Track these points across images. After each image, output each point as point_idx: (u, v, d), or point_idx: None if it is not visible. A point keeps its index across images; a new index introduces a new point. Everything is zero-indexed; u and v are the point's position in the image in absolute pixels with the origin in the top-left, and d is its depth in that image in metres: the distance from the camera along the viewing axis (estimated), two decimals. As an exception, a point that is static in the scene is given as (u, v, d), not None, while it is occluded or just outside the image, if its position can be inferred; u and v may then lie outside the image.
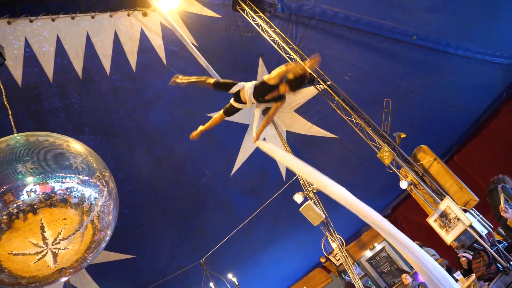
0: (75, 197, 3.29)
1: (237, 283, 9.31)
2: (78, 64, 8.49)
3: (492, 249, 5.35)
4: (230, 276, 9.54)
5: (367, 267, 11.97)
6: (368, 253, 12.08)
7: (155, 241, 10.22)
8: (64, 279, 3.80)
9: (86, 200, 3.45)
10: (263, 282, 11.64)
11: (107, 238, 3.94)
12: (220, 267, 10.20)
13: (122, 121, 9.34)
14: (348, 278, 11.54)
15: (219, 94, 9.31)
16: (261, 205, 9.44)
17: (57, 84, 8.45)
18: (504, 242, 5.87)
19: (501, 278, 5.11)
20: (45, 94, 8.44)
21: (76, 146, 3.70)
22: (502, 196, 5.77)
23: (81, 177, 3.45)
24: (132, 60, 8.86)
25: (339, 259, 10.27)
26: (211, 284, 9.44)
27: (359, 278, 9.79)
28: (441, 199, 5.78)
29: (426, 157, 6.20)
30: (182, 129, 9.50)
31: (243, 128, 10.00)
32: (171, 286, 10.25)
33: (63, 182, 3.25)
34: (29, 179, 3.11)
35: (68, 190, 3.24)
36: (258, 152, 10.42)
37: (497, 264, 5.34)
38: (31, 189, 3.09)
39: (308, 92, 9.45)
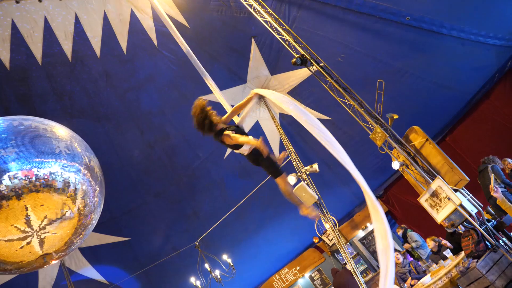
0: (59, 182, 3.26)
1: (231, 264, 9.44)
2: (67, 46, 8.34)
3: (481, 227, 5.45)
4: (225, 257, 9.65)
5: (359, 246, 12.19)
6: (361, 233, 12.28)
7: (150, 224, 10.27)
8: (52, 263, 3.81)
9: (71, 185, 3.41)
10: (257, 263, 11.82)
11: (94, 222, 3.93)
12: (214, 248, 10.32)
13: (113, 104, 9.25)
14: (341, 257, 11.76)
15: (214, 73, 9.29)
16: (255, 187, 9.49)
17: (46, 67, 8.31)
18: (493, 221, 5.97)
19: (489, 255, 5.23)
20: (34, 77, 8.30)
21: (60, 131, 3.65)
22: (492, 176, 5.86)
23: (65, 162, 3.41)
24: (123, 42, 8.72)
25: (332, 239, 10.44)
26: (206, 265, 9.55)
27: (352, 257, 9.97)
28: (433, 179, 5.84)
29: (418, 138, 6.23)
30: (175, 112, 9.45)
31: (236, 111, 9.96)
32: (166, 267, 10.37)
33: (47, 167, 3.22)
34: (12, 164, 3.07)
35: (52, 175, 3.22)
36: (252, 134, 10.42)
37: (486, 242, 5.45)
38: (14, 174, 3.06)
39: (301, 74, 9.40)
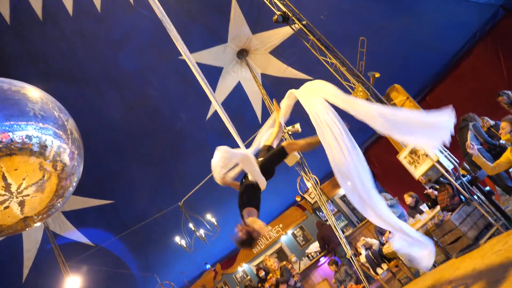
0: (35, 144, 3.19)
1: (215, 223, 9.63)
2: (36, 4, 7.89)
3: (456, 182, 5.65)
4: (208, 216, 9.81)
5: (340, 204, 12.55)
6: (342, 191, 12.59)
7: (133, 186, 10.29)
8: (34, 226, 3.80)
9: (48, 148, 3.35)
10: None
11: (74, 184, 3.90)
12: (198, 209, 10.45)
13: (89, 66, 8.94)
14: (322, 214, 12.12)
15: (194, 33, 9.00)
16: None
17: (16, 27, 7.89)
18: (468, 176, 6.19)
19: (463, 208, 5.47)
20: (4, 38, 7.90)
21: (33, 92, 3.52)
22: (469, 133, 6.00)
23: (40, 124, 3.33)
24: (96, -1, 8.31)
25: (314, 197, 10.71)
26: (190, 225, 9.71)
27: (333, 214, 10.30)
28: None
29: (399, 96, 6.28)
30: (155, 72, 9.22)
31: (217, 71, 9.78)
32: (151, 228, 10.50)
33: (22, 130, 3.14)
34: (-16, 127, 3.00)
35: (28, 137, 3.15)
36: (233, 95, 10.32)
37: (460, 196, 5.68)
38: (-13, 138, 2.98)
39: (283, 32, 9.21)
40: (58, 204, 3.90)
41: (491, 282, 3.45)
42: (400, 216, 8.75)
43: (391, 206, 9.71)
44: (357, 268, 7.52)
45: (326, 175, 12.65)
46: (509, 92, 6.78)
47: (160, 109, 9.67)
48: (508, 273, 3.36)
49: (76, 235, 10.46)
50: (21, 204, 3.31)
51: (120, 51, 8.95)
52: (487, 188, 6.96)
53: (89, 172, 9.51)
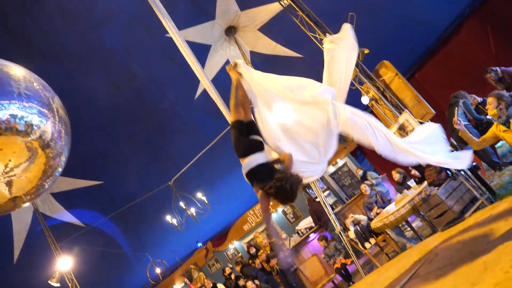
0: (21, 124, 3.13)
1: (206, 202, 9.67)
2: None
3: (443, 158, 5.72)
4: (199, 195, 9.84)
5: (329, 181, 12.69)
6: (331, 168, 12.73)
7: (123, 166, 10.23)
8: (24, 205, 3.77)
9: (34, 127, 3.29)
10: (232, 200, 12.18)
11: (63, 164, 3.85)
12: (189, 188, 10.47)
13: (73, 44, 8.68)
14: (312, 192, 12.25)
15: (181, 10, 8.78)
16: (226, 126, 9.45)
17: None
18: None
19: (449, 183, 5.57)
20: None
21: (17, 71, 3.42)
22: (456, 109, 6.05)
23: (25, 103, 3.26)
24: (77, -28, 8.01)
25: (304, 175, 10.77)
26: (181, 204, 9.74)
27: (322, 191, 10.42)
28: (400, 113, 5.99)
29: (388, 72, 6.27)
30: (140, 50, 9.02)
31: (205, 49, 9.62)
32: (141, 208, 10.51)
33: (6, 109, 3.07)
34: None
35: (13, 117, 3.08)
36: (222, 73, 10.18)
37: (447, 171, 5.77)
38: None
39: (272, 8, 9.04)
40: (47, 184, 3.87)
41: (474, 253, 3.55)
42: (386, 194, 8.91)
43: (376, 184, 9.88)
44: (346, 243, 7.67)
45: (316, 153, 12.72)
46: (497, 69, 6.82)
47: (147, 88, 9.51)
48: (491, 244, 3.45)
49: (67, 216, 10.43)
50: (9, 184, 3.27)
51: (104, 28, 8.70)
52: (474, 163, 7.09)
53: (76, 153, 9.40)
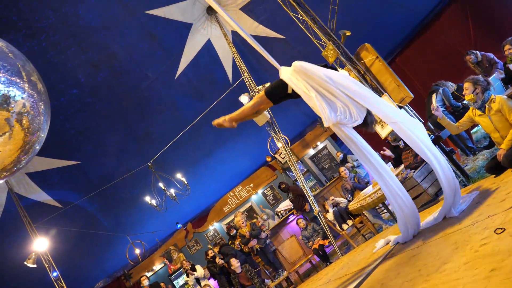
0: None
1: (186, 182, 9.63)
2: None
3: (420, 141, 5.81)
4: (179, 176, 9.78)
5: (309, 164, 12.82)
6: (311, 151, 12.84)
7: (100, 146, 10.01)
8: (0, 181, 3.66)
9: (11, 101, 3.18)
10: (212, 182, 12.17)
11: (41, 140, 3.74)
12: (169, 169, 10.39)
13: (48, 19, 8.32)
14: (292, 174, 12.35)
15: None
16: (207, 107, 9.37)
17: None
18: (432, 135, 6.40)
19: (425, 166, 5.68)
20: None
21: (-10, 42, 3.28)
22: (434, 96, 6.13)
23: (2, 75, 3.14)
24: None
25: (284, 157, 10.84)
26: (161, 185, 9.67)
27: (302, 174, 10.51)
28: (380, 97, 6.02)
29: (369, 55, 6.28)
30: (119, 27, 8.74)
31: (186, 27, 9.40)
32: (120, 189, 10.39)
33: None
34: None
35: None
36: (203, 53, 10.02)
37: (424, 155, 5.87)
38: None
39: (255, -13, 8.89)
40: (24, 160, 3.77)
41: (447, 233, 3.65)
42: (365, 176, 9.06)
43: (357, 166, 10.06)
44: (323, 225, 7.79)
45: (296, 136, 12.80)
46: (477, 52, 6.93)
47: (125, 66, 9.24)
48: (463, 225, 3.55)
49: (43, 197, 10.21)
50: (-16, 159, 3.18)
51: (80, 3, 8.36)
52: (449, 148, 7.26)
53: (53, 132, 9.15)
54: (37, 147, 3.79)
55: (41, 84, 3.81)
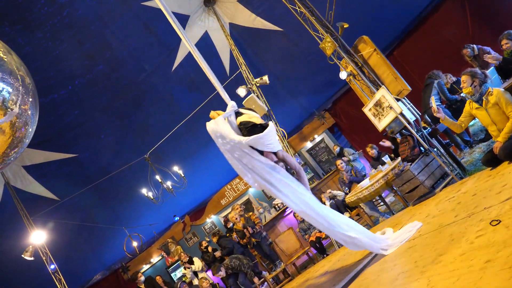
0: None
1: (182, 175, 9.62)
2: None
3: (417, 134, 5.84)
4: (176, 168, 9.77)
5: (307, 157, 12.83)
6: (309, 144, 12.85)
7: (97, 139, 9.98)
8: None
9: None
10: (209, 175, 12.15)
11: (29, 135, 3.71)
12: (166, 162, 10.37)
13: (43, 10, 8.22)
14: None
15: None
16: (204, 100, 9.33)
17: None
18: (429, 128, 6.42)
19: (422, 159, 5.70)
20: None
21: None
22: (433, 98, 6.12)
23: None
24: None
25: (281, 150, 10.82)
26: (157, 177, 9.66)
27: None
28: (377, 89, 6.02)
29: (367, 48, 6.25)
30: (115, 19, 8.66)
31: (183, 19, 9.32)
32: (117, 181, 10.37)
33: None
34: None
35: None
36: (200, 45, 9.93)
37: (420, 147, 5.89)
38: None
39: (252, -21, 8.82)
40: (13, 155, 3.73)
41: (443, 225, 3.67)
42: (362, 169, 9.09)
43: (353, 160, 10.07)
44: (321, 217, 7.79)
45: (294, 129, 12.79)
46: (474, 46, 6.92)
47: (121, 58, 9.17)
48: (458, 217, 3.57)
49: (40, 190, 10.19)
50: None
51: (77, -5, 8.27)
52: (447, 141, 7.29)
53: (50, 125, 9.16)
54: (26, 141, 3.76)
55: (29, 78, 3.77)
